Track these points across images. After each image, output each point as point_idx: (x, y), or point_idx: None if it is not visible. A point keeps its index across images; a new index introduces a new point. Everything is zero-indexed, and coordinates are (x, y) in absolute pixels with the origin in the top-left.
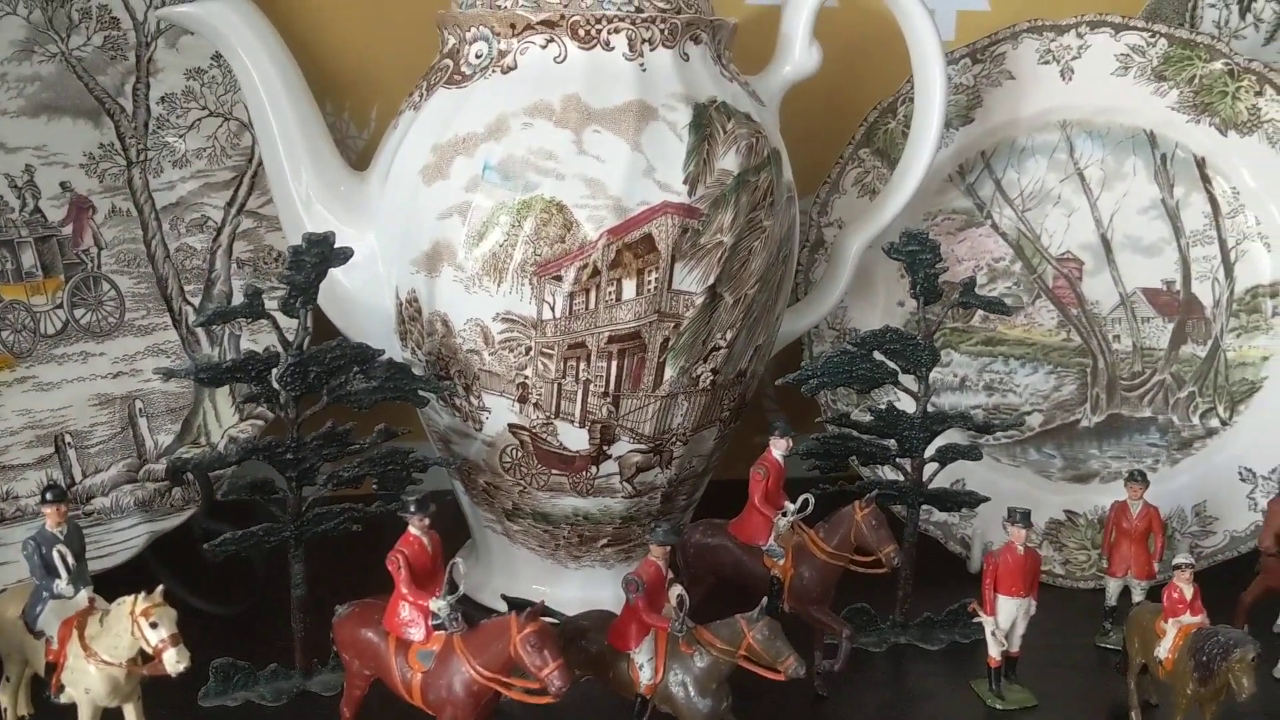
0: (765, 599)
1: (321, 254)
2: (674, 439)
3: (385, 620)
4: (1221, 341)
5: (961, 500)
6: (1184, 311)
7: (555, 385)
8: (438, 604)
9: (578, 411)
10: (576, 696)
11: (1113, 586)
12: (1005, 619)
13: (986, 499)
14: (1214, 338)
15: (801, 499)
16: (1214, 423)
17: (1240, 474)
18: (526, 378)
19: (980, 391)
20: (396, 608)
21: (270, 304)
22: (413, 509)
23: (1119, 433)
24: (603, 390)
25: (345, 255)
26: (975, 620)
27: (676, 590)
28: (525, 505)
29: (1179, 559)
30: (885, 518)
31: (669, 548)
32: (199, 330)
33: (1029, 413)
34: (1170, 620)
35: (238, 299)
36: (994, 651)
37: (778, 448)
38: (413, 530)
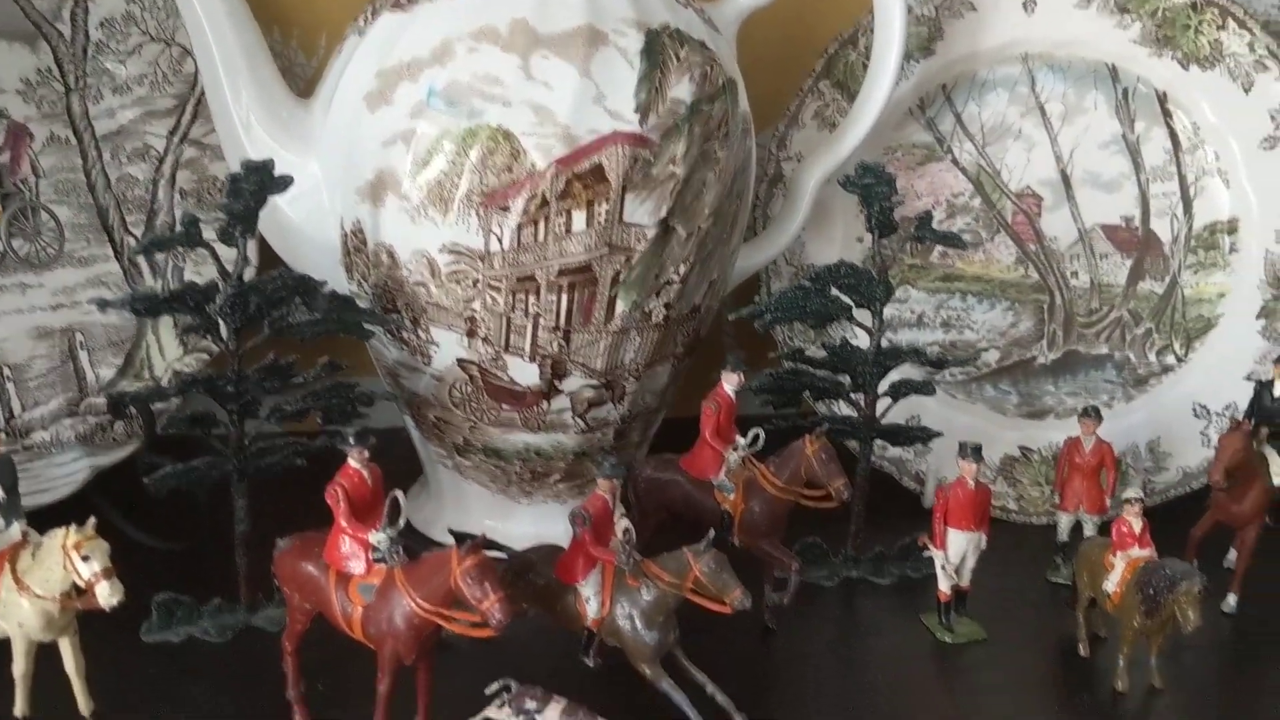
0: (712, 531)
1: (260, 181)
2: (626, 374)
3: (325, 554)
4: (1179, 278)
5: (914, 435)
6: (1142, 248)
7: (504, 319)
8: (377, 537)
9: (528, 346)
10: (523, 630)
11: (1064, 521)
12: (955, 553)
13: (939, 434)
14: (1172, 274)
15: (752, 433)
16: (1169, 359)
17: (1194, 410)
18: (475, 311)
19: (938, 328)
20: (336, 541)
21: (211, 235)
22: (351, 441)
23: (1075, 369)
24: (553, 325)
25: (285, 183)
26: (925, 554)
27: (623, 524)
28: (476, 440)
29: (1128, 493)
30: (836, 452)
31: (616, 481)
32: (141, 262)
33: (985, 349)
34: (1119, 554)
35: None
36: (944, 585)
37: (729, 382)
38: (352, 463)
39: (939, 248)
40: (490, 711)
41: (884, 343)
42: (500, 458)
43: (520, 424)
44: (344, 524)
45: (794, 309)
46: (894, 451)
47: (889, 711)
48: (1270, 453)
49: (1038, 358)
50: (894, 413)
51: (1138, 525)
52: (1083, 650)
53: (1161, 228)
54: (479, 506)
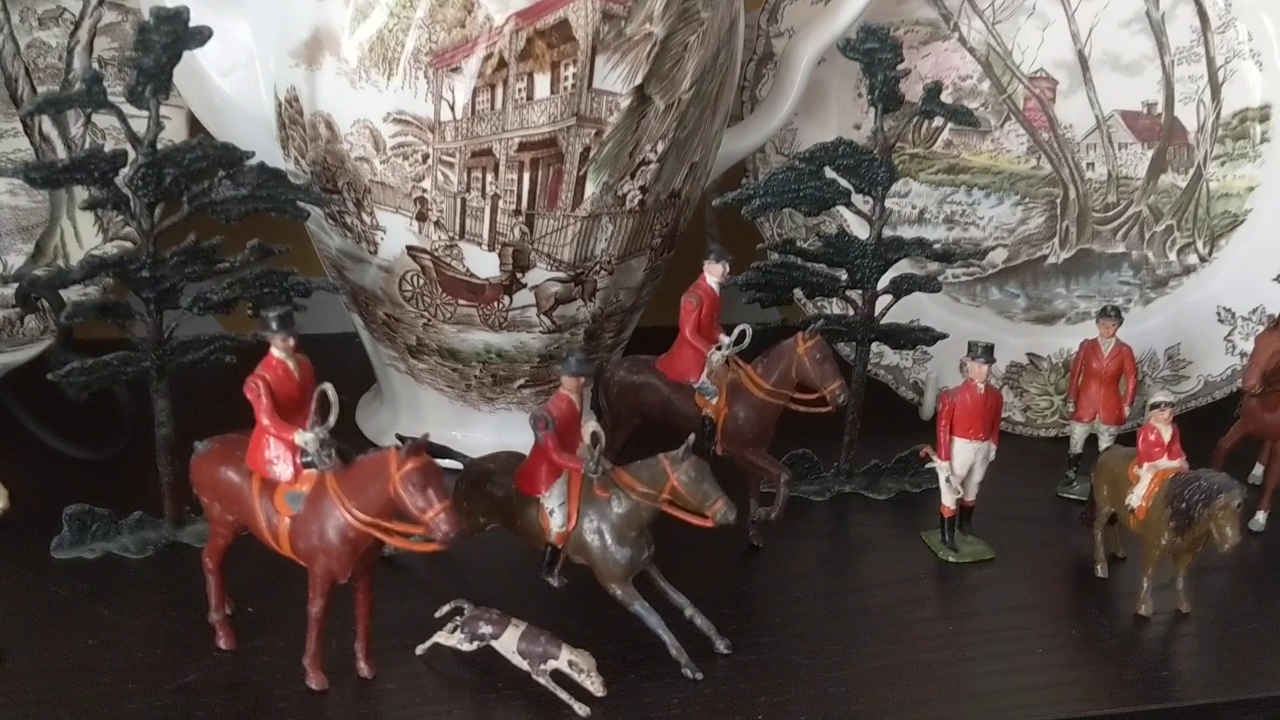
0: (691, 436)
1: (173, 33)
2: (597, 267)
3: (248, 458)
4: (1204, 170)
5: (915, 337)
6: (1165, 137)
7: (458, 200)
8: (304, 437)
9: (485, 232)
10: (480, 547)
11: (1078, 432)
12: (961, 464)
13: (943, 335)
14: (1196, 166)
15: (738, 330)
16: (1192, 259)
17: (1218, 314)
18: (424, 191)
19: (940, 225)
20: (260, 443)
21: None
22: (274, 325)
23: (1089, 270)
24: (514, 207)
25: (202, 35)
26: (928, 466)
27: (591, 426)
28: (430, 340)
29: (1157, 397)
30: (831, 351)
31: (582, 379)
32: (56, 138)
33: (992, 247)
34: (1145, 465)
35: None
36: (948, 500)
37: (712, 274)
38: (275, 352)
39: (944, 136)
40: (441, 637)
41: (885, 233)
42: (458, 360)
43: (479, 321)
44: (266, 422)
45: (785, 193)
46: (890, 359)
47: (886, 637)
48: None
49: (1049, 257)
50: (892, 314)
51: (1167, 433)
52: (1100, 571)
53: (1186, 115)
54: (436, 415)
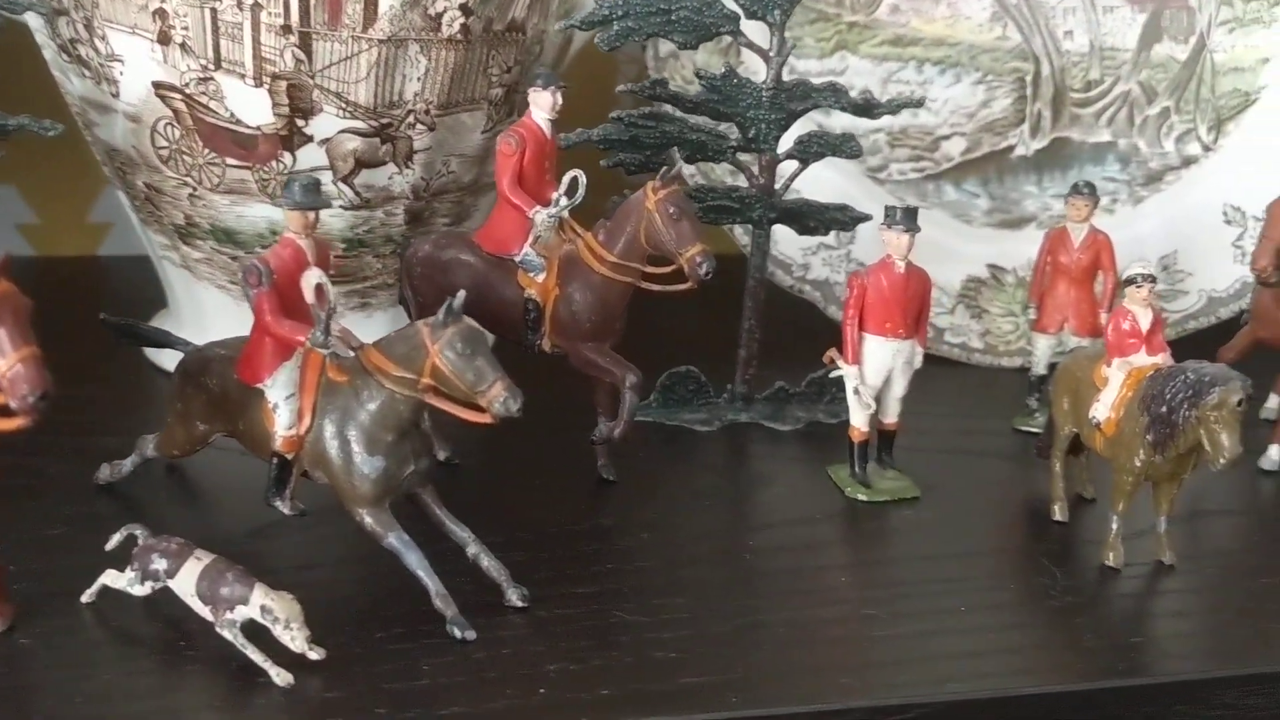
0: (458, 295)
1: None
2: (411, 119)
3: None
4: (1208, 39)
5: (830, 217)
6: None
7: (206, 11)
8: None
9: (248, 59)
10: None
11: (1043, 347)
12: (875, 370)
13: (866, 217)
14: (1199, 33)
15: (569, 177)
16: (1193, 148)
17: (1225, 214)
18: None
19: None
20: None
21: None
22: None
23: (1065, 163)
24: (282, 23)
25: None
26: (833, 375)
27: (313, 277)
28: (201, 218)
29: (1133, 269)
30: (691, 206)
31: (312, 216)
32: None
33: (947, 137)
34: (1116, 362)
35: None
36: (857, 419)
37: (539, 105)
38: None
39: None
40: (108, 578)
41: (787, 75)
42: (236, 244)
43: (256, 189)
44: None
45: (655, 15)
46: (819, 272)
47: (758, 590)
48: None
49: (1016, 148)
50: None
51: (1145, 319)
52: (1058, 513)
53: None
54: (221, 322)
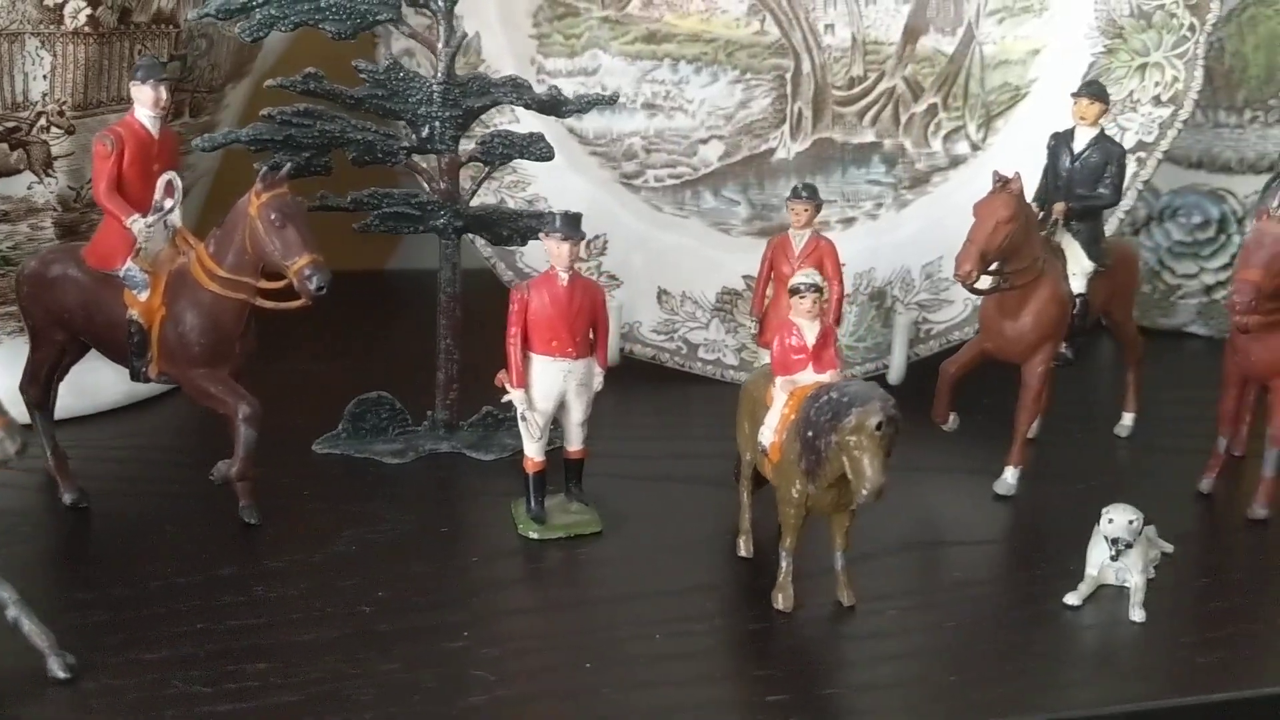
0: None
1: None
2: (44, 120)
3: None
4: (977, 30)
5: (525, 224)
6: None
7: None
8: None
9: None
10: None
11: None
12: (544, 393)
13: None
14: (967, 25)
15: (164, 181)
16: (961, 147)
17: None
18: None
19: (639, 111)
20: None
21: None
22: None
23: (828, 165)
24: None
25: None
26: (504, 400)
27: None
28: None
29: (797, 278)
30: (300, 208)
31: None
32: None
33: (704, 140)
34: (779, 380)
35: None
36: (530, 449)
37: (141, 101)
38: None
39: None
40: None
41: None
42: None
43: None
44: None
45: (301, 4)
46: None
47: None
48: (1069, 242)
49: (777, 150)
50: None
51: (811, 332)
52: (743, 546)
53: None
54: None
